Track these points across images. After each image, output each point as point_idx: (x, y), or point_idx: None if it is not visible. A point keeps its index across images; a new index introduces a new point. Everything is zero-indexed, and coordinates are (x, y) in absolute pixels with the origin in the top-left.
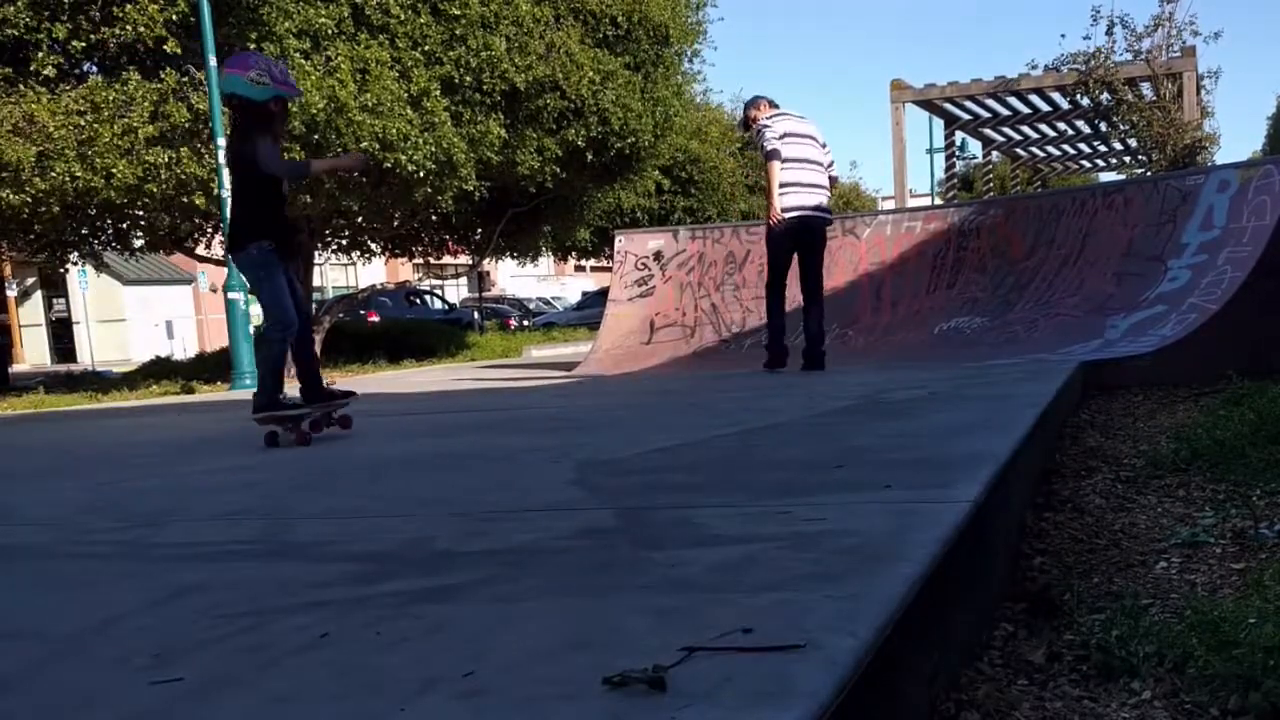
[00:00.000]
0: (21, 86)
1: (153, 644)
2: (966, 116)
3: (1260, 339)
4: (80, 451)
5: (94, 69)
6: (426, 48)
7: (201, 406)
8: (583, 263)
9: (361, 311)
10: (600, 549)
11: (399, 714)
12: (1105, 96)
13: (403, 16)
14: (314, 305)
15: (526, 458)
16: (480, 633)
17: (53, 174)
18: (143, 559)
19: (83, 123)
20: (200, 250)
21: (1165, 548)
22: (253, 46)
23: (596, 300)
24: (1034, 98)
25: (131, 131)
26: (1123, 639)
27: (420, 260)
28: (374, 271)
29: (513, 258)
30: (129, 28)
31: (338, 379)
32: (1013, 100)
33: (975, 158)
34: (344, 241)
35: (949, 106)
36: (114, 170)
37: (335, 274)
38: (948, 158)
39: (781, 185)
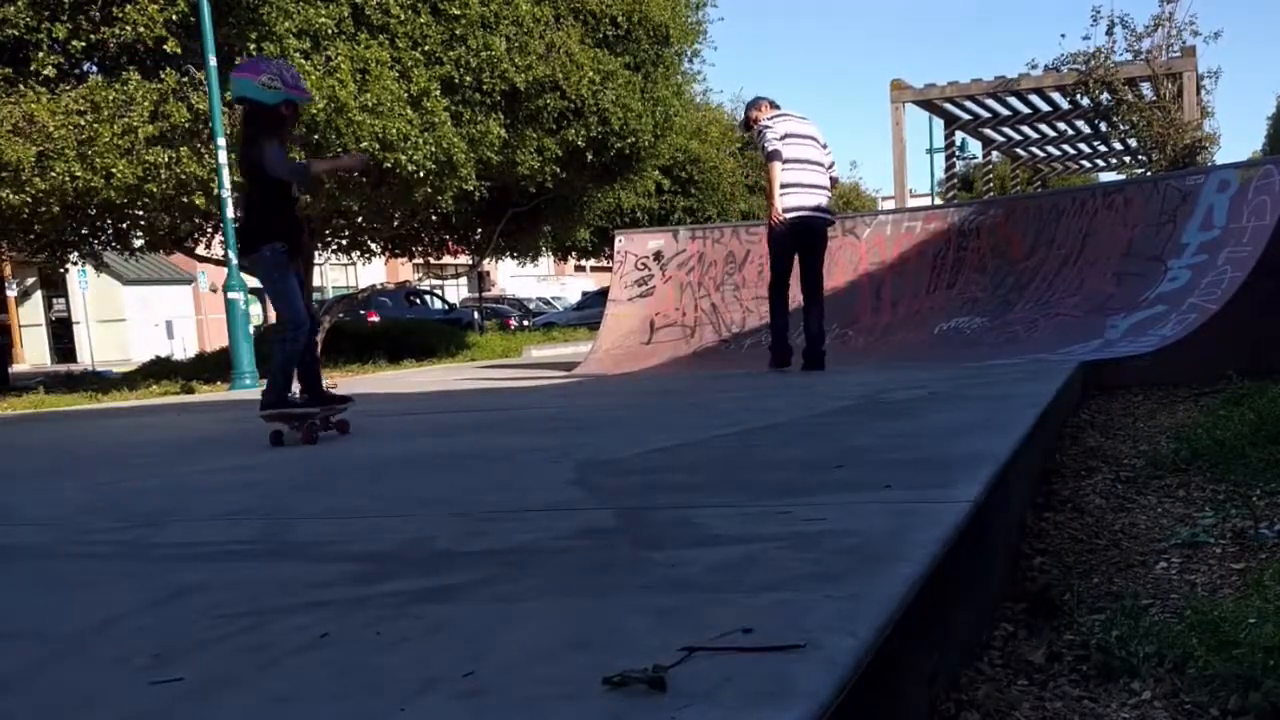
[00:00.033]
0: (21, 86)
1: (153, 644)
2: (966, 116)
3: (1260, 339)
4: (80, 451)
5: (94, 69)
6: (426, 48)
7: (201, 406)
8: (583, 263)
9: (361, 311)
10: (600, 549)
11: (399, 714)
12: (1105, 96)
13: (403, 16)
14: (314, 305)
15: (526, 458)
16: (480, 633)
17: (53, 174)
18: (143, 559)
19: (83, 123)
20: (200, 250)
21: (1165, 548)
22: (252, 46)
23: (596, 300)
24: (1034, 98)
25: (131, 131)
26: (1123, 639)
27: (420, 260)
28: (374, 271)
29: (513, 258)
30: (129, 28)
31: (337, 379)
32: (1013, 100)
33: (975, 158)
34: (344, 241)
35: (949, 106)
36: (114, 170)
37: (335, 274)
38: (948, 158)
39: (783, 186)
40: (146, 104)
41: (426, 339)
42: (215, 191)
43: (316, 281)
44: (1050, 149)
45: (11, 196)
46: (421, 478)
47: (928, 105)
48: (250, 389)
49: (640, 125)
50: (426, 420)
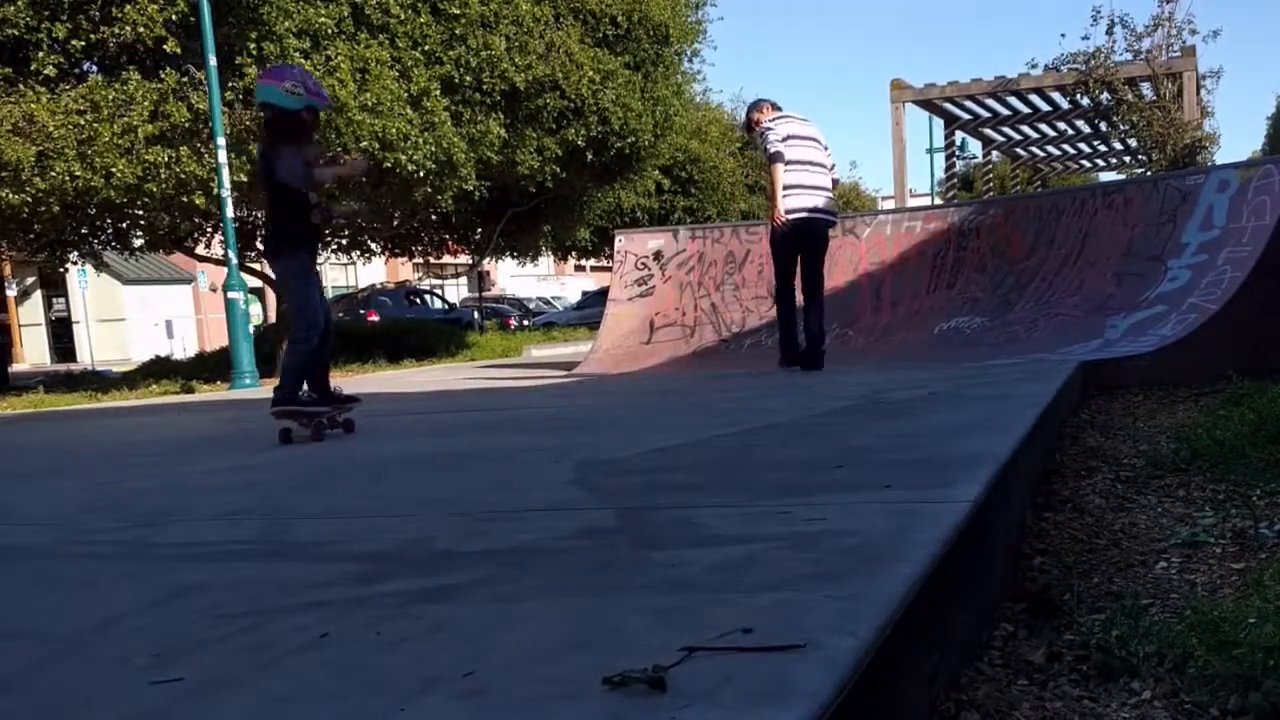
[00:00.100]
0: (21, 86)
1: (153, 644)
2: (966, 116)
3: (1260, 339)
4: (80, 451)
5: (94, 69)
6: (426, 47)
7: (201, 406)
8: (583, 263)
9: (361, 311)
10: (600, 549)
11: (399, 714)
12: (1105, 96)
13: (403, 16)
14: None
15: (526, 458)
16: (480, 633)
17: (53, 173)
18: (143, 559)
19: (82, 122)
20: (200, 250)
21: (1165, 548)
22: (252, 46)
23: (596, 300)
24: (1034, 97)
25: (131, 131)
26: (1123, 639)
27: (420, 260)
28: (374, 271)
29: (513, 257)
30: (129, 28)
31: (337, 379)
32: (1013, 100)
33: (975, 158)
34: (344, 241)
35: (949, 106)
36: (114, 170)
37: (335, 274)
38: (948, 158)
39: (785, 187)
40: (146, 104)
41: (426, 339)
42: (215, 191)
43: None
44: (1050, 149)
45: (11, 196)
46: (421, 478)
47: (928, 105)
48: (250, 388)
49: (640, 125)
50: (426, 420)
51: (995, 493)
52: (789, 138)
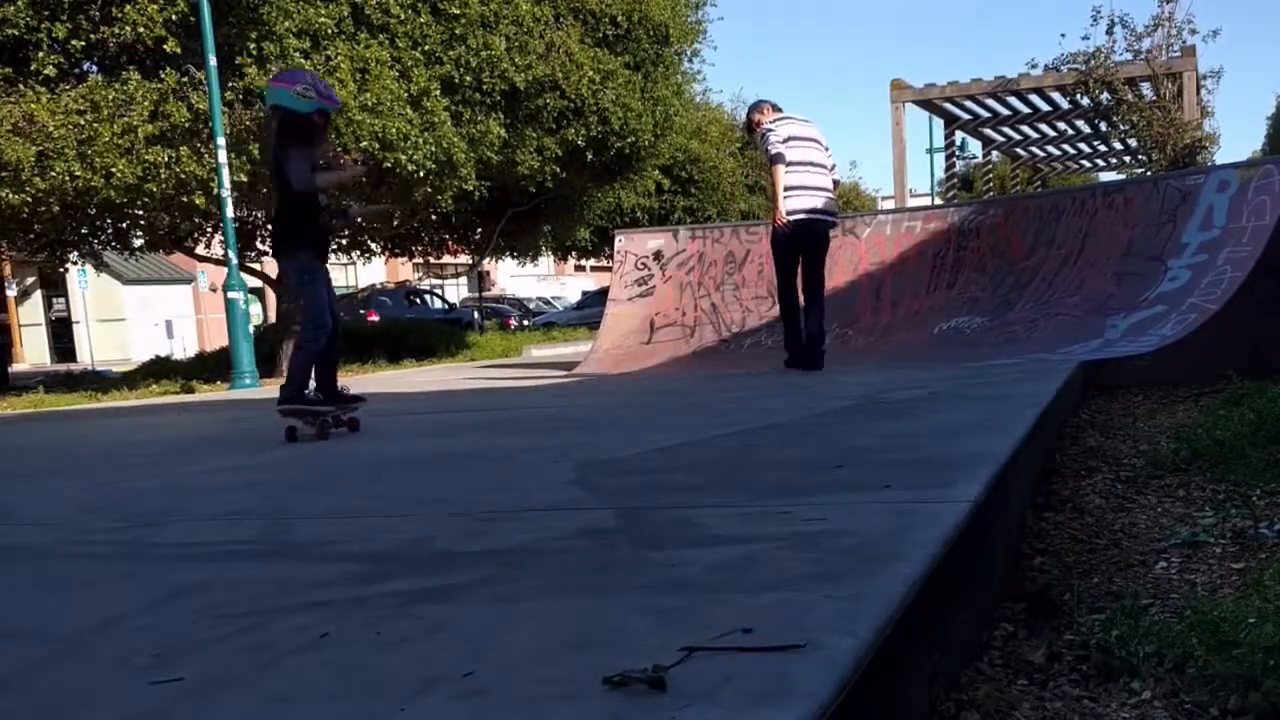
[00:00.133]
0: (21, 86)
1: (153, 644)
2: (966, 116)
3: (1260, 339)
4: (80, 451)
5: (94, 68)
6: (426, 47)
7: (201, 406)
8: (583, 263)
9: (361, 311)
10: (600, 549)
11: (399, 714)
12: (1105, 96)
13: (403, 16)
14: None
15: (526, 458)
16: (480, 633)
17: (53, 173)
18: (143, 559)
19: (82, 122)
20: (200, 250)
21: (1165, 548)
22: (252, 46)
23: (596, 300)
24: (1034, 97)
25: (131, 131)
26: (1123, 639)
27: (420, 260)
28: (374, 271)
29: (513, 257)
30: (129, 28)
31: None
32: (1013, 100)
33: (975, 158)
34: (344, 241)
35: (949, 106)
36: (114, 170)
37: (335, 274)
38: (948, 158)
39: (787, 189)
40: (146, 104)
41: (426, 339)
42: (215, 191)
43: None
44: (1050, 149)
45: (11, 196)
46: (422, 478)
47: (928, 105)
48: (250, 389)
49: (640, 125)
50: (426, 420)
51: (995, 493)
52: (790, 139)
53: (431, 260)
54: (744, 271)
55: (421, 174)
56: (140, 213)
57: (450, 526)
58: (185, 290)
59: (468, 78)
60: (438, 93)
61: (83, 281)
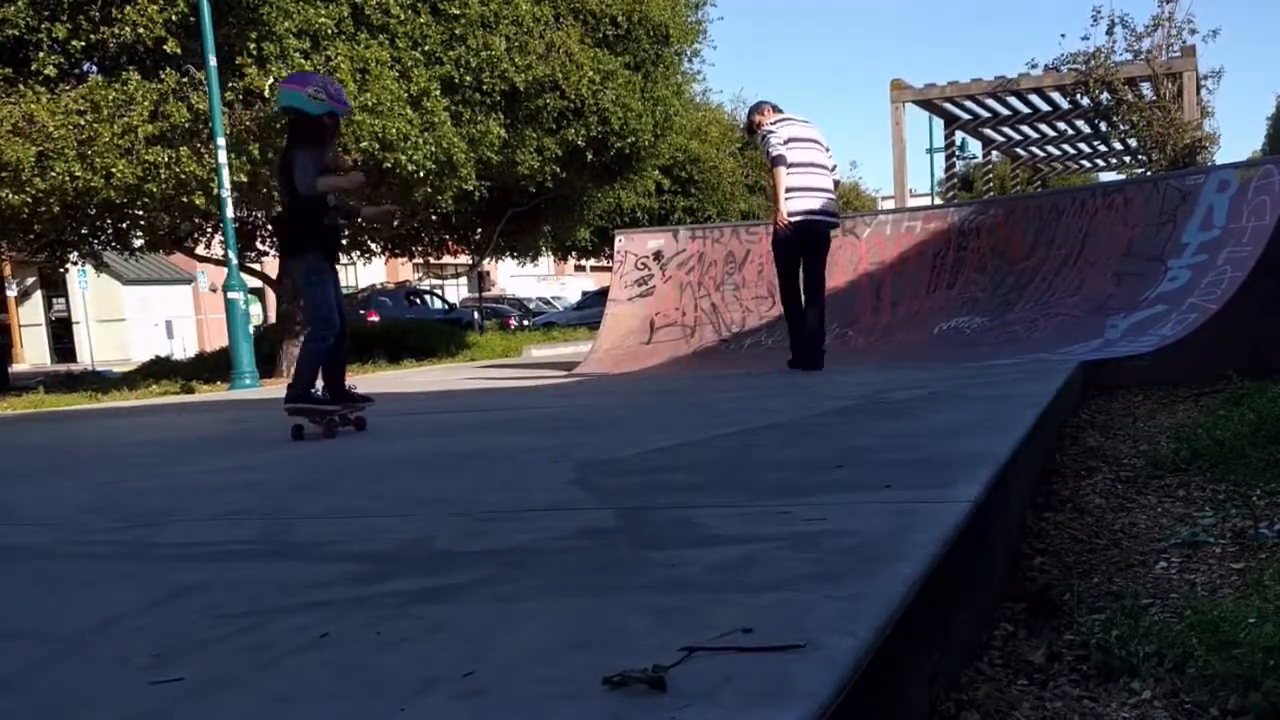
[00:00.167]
0: (21, 86)
1: (153, 644)
2: (966, 116)
3: (1260, 339)
4: (80, 451)
5: (94, 69)
6: (426, 47)
7: (201, 406)
8: (583, 263)
9: (361, 311)
10: (600, 549)
11: (399, 714)
12: (1105, 96)
13: (402, 16)
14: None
15: (526, 458)
16: (480, 633)
17: (53, 174)
18: (143, 559)
19: (83, 122)
20: (200, 250)
21: (1165, 548)
22: (252, 47)
23: (596, 300)
24: (1034, 98)
25: (131, 131)
26: (1123, 639)
27: (420, 260)
28: (374, 271)
29: (513, 258)
30: (128, 28)
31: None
32: (1013, 100)
33: (975, 158)
34: (344, 241)
35: (949, 106)
36: (114, 170)
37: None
38: (948, 158)
39: (788, 190)
40: (146, 104)
41: (426, 339)
42: (215, 191)
43: None
44: (1050, 149)
45: (11, 196)
46: (422, 478)
47: (928, 105)
48: (250, 389)
49: (640, 125)
50: (427, 420)
51: (995, 493)
52: (791, 140)
53: (431, 260)
54: (744, 271)
55: (421, 174)
56: (140, 213)
57: (450, 526)
58: (185, 290)
59: (468, 78)
60: (438, 93)
61: (83, 282)
